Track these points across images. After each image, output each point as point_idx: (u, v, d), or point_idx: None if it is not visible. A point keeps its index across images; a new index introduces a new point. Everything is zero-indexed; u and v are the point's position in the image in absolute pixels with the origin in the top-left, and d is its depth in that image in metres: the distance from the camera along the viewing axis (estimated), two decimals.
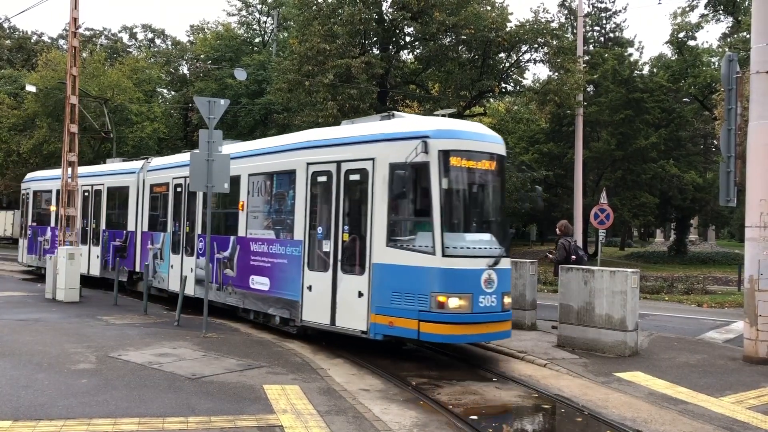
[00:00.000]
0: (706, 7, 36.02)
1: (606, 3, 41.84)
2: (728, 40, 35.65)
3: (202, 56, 42.44)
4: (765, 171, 10.13)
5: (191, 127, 42.65)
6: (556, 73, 28.03)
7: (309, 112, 26.72)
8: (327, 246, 10.18)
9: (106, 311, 13.58)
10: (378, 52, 28.61)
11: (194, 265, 13.68)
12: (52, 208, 20.51)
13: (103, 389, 7.22)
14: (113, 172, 18.57)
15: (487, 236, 9.70)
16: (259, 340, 10.91)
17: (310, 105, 27.79)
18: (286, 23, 42.50)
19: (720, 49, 35.39)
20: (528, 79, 40.50)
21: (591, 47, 39.58)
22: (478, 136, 9.74)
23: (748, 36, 20.77)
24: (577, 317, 10.56)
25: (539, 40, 27.28)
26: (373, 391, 8.12)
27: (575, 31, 29.48)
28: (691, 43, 37.88)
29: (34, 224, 22.22)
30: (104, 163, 22.09)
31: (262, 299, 11.71)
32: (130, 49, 53.24)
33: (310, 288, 10.45)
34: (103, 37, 53.77)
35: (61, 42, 51.54)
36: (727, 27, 37.56)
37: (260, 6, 44.54)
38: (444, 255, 8.89)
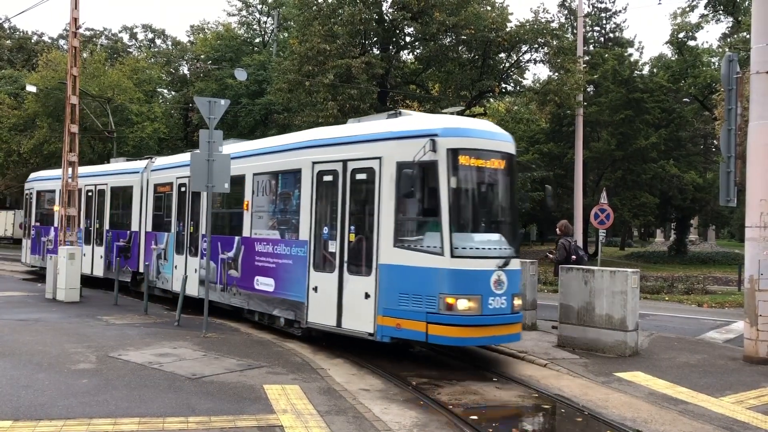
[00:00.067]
0: (706, 7, 36.04)
1: (606, 3, 41.91)
2: (728, 40, 35.65)
3: (202, 56, 42.45)
4: (765, 171, 10.13)
5: (192, 127, 42.65)
6: (556, 73, 28.05)
7: (309, 112, 26.72)
8: (333, 246, 10.03)
9: (107, 311, 13.58)
10: (378, 52, 28.62)
11: (198, 266, 13.60)
12: (56, 208, 20.48)
13: (103, 389, 7.22)
14: (117, 171, 18.45)
15: (496, 236, 9.55)
16: (260, 340, 10.91)
17: (311, 105, 27.79)
18: (287, 23, 42.52)
19: (720, 50, 35.40)
20: (528, 80, 40.59)
21: (591, 47, 39.59)
22: (488, 134, 9.60)
23: (748, 36, 20.75)
24: (578, 317, 10.55)
25: (539, 40, 27.30)
26: (374, 391, 8.12)
27: (575, 31, 29.48)
28: (691, 43, 37.90)
29: (38, 224, 22.14)
30: (107, 162, 22.06)
31: (267, 300, 11.60)
32: (131, 50, 53.28)
33: (315, 289, 10.31)
34: (103, 37, 53.81)
35: (62, 42, 51.57)
36: (727, 27, 37.59)
37: (260, 6, 44.55)
38: (453, 256, 8.76)
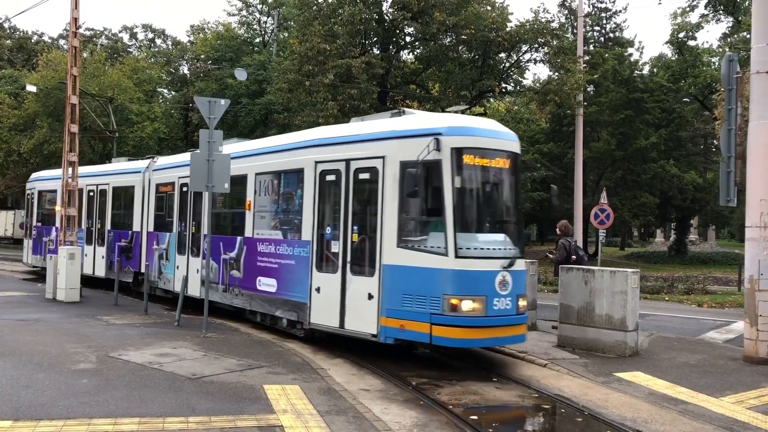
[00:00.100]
0: (706, 7, 36.05)
1: (606, 3, 41.90)
2: (728, 40, 35.66)
3: (202, 56, 42.46)
4: (765, 171, 10.13)
5: (192, 127, 42.66)
6: (557, 73, 28.05)
7: (309, 112, 26.72)
8: (336, 247, 9.95)
9: (107, 311, 13.58)
10: (378, 52, 28.62)
11: (200, 266, 13.54)
12: (57, 208, 20.47)
13: (103, 389, 7.22)
14: (118, 171, 18.36)
15: (501, 237, 9.46)
16: (260, 340, 10.91)
17: (311, 105, 27.78)
18: (287, 23, 42.53)
19: (720, 49, 35.40)
20: (528, 79, 40.56)
21: (591, 47, 39.58)
22: (492, 133, 9.51)
23: (748, 36, 20.76)
24: (578, 317, 10.55)
25: (539, 40, 27.30)
26: (374, 391, 8.12)
27: (575, 31, 29.48)
28: (692, 43, 37.92)
29: (39, 224, 22.04)
30: (108, 162, 22.02)
31: (269, 301, 11.52)
32: (131, 49, 53.29)
33: (318, 290, 10.22)
34: (103, 37, 53.83)
35: (62, 42, 51.59)
36: (728, 27, 37.60)
37: (260, 6, 44.56)
38: (457, 256, 8.66)
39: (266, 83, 35.25)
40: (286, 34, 42.36)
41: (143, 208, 16.52)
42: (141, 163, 17.49)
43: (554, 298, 11.91)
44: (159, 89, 47.63)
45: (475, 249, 8.90)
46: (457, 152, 8.92)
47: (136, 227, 16.81)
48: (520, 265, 9.39)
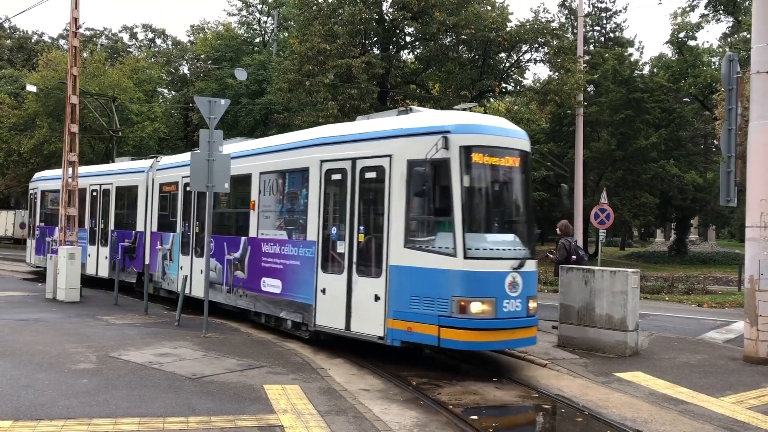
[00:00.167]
0: (706, 7, 36.07)
1: (606, 3, 41.94)
2: (728, 40, 35.69)
3: (202, 56, 42.47)
4: (765, 171, 10.13)
5: (192, 127, 42.68)
6: (557, 73, 28.05)
7: (309, 112, 26.72)
8: (341, 247, 9.78)
9: (107, 311, 13.58)
10: (378, 52, 28.63)
11: (204, 267, 13.51)
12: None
13: (103, 389, 7.22)
14: (122, 171, 18.20)
15: (510, 237, 9.28)
16: (260, 339, 10.91)
17: (311, 105, 27.79)
18: (287, 23, 42.54)
19: (720, 49, 35.42)
20: (528, 79, 40.53)
21: (591, 47, 39.59)
22: (502, 131, 9.35)
23: (748, 36, 20.77)
24: (578, 317, 10.55)
25: (539, 40, 27.30)
26: (374, 391, 8.11)
27: (575, 31, 29.47)
28: (692, 43, 37.96)
29: (42, 224, 21.89)
30: (108, 162, 21.95)
31: (274, 302, 11.34)
32: (131, 49, 53.33)
33: (323, 291, 10.05)
34: (103, 37, 53.89)
35: (62, 42, 51.62)
36: (728, 27, 37.65)
37: (260, 6, 44.58)
38: (466, 257, 8.48)
39: (266, 83, 35.27)
40: (286, 34, 42.37)
41: (147, 208, 16.39)
42: (144, 163, 17.34)
43: (554, 298, 11.91)
44: (159, 89, 47.66)
45: (484, 249, 8.74)
46: (466, 150, 8.76)
47: (139, 227, 16.67)
48: (531, 266, 9.16)
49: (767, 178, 10.12)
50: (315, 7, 27.51)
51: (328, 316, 9.97)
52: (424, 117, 9.60)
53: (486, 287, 8.56)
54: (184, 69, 47.12)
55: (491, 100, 35.34)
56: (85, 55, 38.76)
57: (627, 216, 35.42)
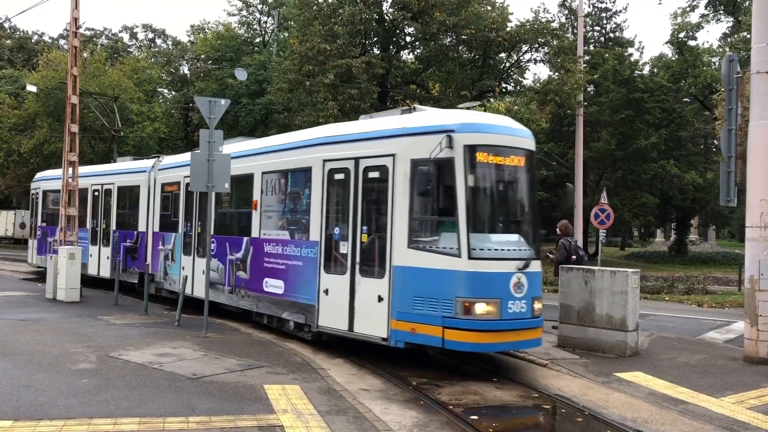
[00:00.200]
0: (706, 7, 36.07)
1: (606, 3, 41.89)
2: (729, 40, 35.70)
3: (202, 56, 42.45)
4: (765, 171, 10.13)
5: (192, 127, 42.66)
6: (557, 73, 28.03)
7: (309, 112, 26.70)
8: (344, 247, 9.71)
9: (107, 311, 13.58)
10: (378, 52, 28.62)
11: (206, 267, 13.49)
12: None
13: (103, 389, 7.23)
14: (124, 171, 18.11)
15: (515, 237, 9.21)
16: (260, 339, 10.91)
17: (311, 105, 27.77)
18: (287, 23, 42.52)
19: (720, 49, 35.42)
20: (528, 79, 40.52)
21: (591, 47, 39.57)
22: (507, 130, 9.26)
23: (748, 36, 20.76)
24: (578, 317, 10.55)
25: (540, 40, 27.28)
26: (374, 391, 8.12)
27: (575, 31, 29.46)
28: (692, 43, 37.95)
29: (44, 224, 21.80)
30: (109, 162, 21.90)
31: (276, 303, 11.27)
32: (131, 49, 53.31)
33: (326, 292, 9.98)
34: (103, 37, 53.86)
35: (62, 42, 51.61)
36: (728, 27, 37.66)
37: (261, 6, 44.56)
38: (470, 257, 8.42)
39: (266, 83, 35.25)
40: (286, 34, 42.36)
41: (149, 208, 16.31)
42: (146, 163, 17.26)
43: (554, 298, 11.90)
44: (159, 89, 47.63)
45: (489, 250, 8.68)
46: (471, 150, 8.68)
47: (141, 227, 16.59)
48: (536, 266, 9.10)
49: (767, 178, 10.12)
50: (315, 7, 27.49)
51: (331, 317, 9.90)
52: (428, 116, 9.53)
53: (491, 288, 8.49)
54: (184, 69, 47.11)
55: (491, 100, 35.38)
56: (85, 55, 38.75)
57: (627, 216, 35.42)
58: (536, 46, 27.93)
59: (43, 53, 40.66)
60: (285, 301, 11.05)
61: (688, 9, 35.95)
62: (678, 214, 42.66)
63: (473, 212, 8.72)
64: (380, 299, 9.12)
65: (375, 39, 28.42)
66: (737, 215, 38.80)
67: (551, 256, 13.50)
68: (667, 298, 20.41)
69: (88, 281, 17.83)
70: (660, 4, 53.49)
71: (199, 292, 13.38)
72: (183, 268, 14.39)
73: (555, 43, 27.39)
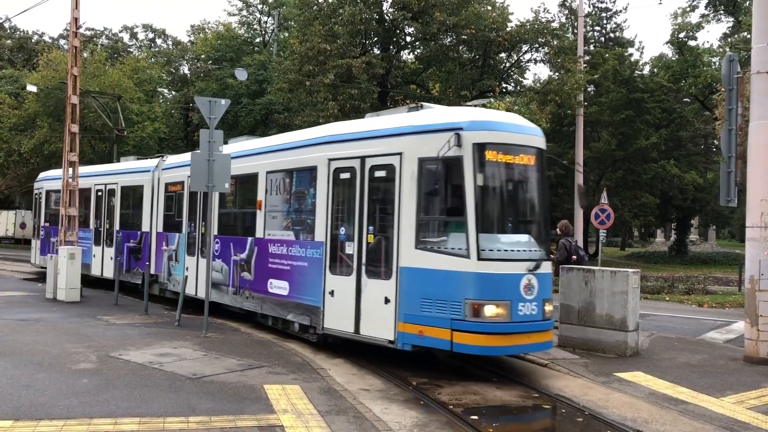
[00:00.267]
0: (706, 7, 36.10)
1: (606, 3, 41.88)
2: (729, 40, 35.71)
3: (202, 56, 42.47)
4: (765, 171, 10.13)
5: (192, 127, 42.66)
6: (557, 73, 28.05)
7: (310, 112, 26.71)
8: (350, 248, 9.51)
9: (107, 311, 13.58)
10: (379, 52, 28.63)
11: (210, 268, 13.40)
12: None
13: (103, 389, 7.23)
14: (127, 171, 17.98)
15: (526, 237, 9.05)
16: (260, 339, 10.91)
17: (311, 105, 27.78)
18: (287, 23, 42.54)
19: (720, 49, 35.44)
20: (528, 79, 40.47)
21: (591, 47, 39.56)
22: (516, 128, 9.03)
23: (748, 36, 20.76)
24: (578, 317, 10.55)
25: (540, 40, 27.29)
26: (374, 391, 8.11)
27: (576, 31, 29.47)
28: (692, 43, 37.97)
29: (47, 225, 21.65)
30: (110, 162, 21.86)
31: (281, 304, 11.09)
32: (131, 49, 53.31)
33: (332, 293, 9.78)
34: (103, 37, 53.85)
35: (62, 42, 51.62)
36: (728, 27, 37.69)
37: (261, 6, 44.57)
38: (479, 258, 8.24)
39: (266, 83, 35.26)
40: (286, 34, 42.37)
41: (152, 208, 16.19)
42: (150, 162, 17.13)
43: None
44: (159, 89, 47.62)
45: (498, 251, 8.50)
46: (480, 148, 8.48)
47: (145, 228, 16.47)
48: (546, 267, 8.94)
49: (767, 178, 10.12)
50: (315, 7, 27.50)
51: (337, 319, 9.73)
52: (435, 114, 9.37)
53: (500, 290, 8.34)
54: (185, 69, 47.11)
55: (491, 100, 35.38)
56: (85, 55, 38.77)
57: (627, 216, 35.43)
58: (536, 46, 27.95)
59: (44, 53, 40.68)
60: (290, 302, 10.90)
61: (688, 9, 36.01)
62: (678, 214, 42.67)
63: (482, 212, 8.53)
64: (387, 301, 8.96)
65: (375, 39, 28.43)
66: (737, 215, 38.80)
67: (551, 256, 13.49)
68: (667, 298, 20.41)
69: (92, 282, 17.84)
70: (660, 4, 53.41)
71: (203, 293, 13.34)
72: (187, 268, 14.27)
73: (555, 43, 27.40)
